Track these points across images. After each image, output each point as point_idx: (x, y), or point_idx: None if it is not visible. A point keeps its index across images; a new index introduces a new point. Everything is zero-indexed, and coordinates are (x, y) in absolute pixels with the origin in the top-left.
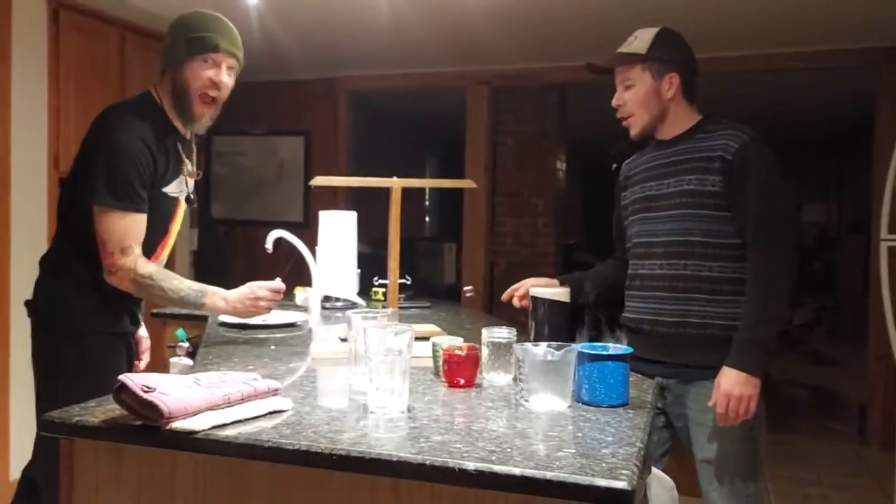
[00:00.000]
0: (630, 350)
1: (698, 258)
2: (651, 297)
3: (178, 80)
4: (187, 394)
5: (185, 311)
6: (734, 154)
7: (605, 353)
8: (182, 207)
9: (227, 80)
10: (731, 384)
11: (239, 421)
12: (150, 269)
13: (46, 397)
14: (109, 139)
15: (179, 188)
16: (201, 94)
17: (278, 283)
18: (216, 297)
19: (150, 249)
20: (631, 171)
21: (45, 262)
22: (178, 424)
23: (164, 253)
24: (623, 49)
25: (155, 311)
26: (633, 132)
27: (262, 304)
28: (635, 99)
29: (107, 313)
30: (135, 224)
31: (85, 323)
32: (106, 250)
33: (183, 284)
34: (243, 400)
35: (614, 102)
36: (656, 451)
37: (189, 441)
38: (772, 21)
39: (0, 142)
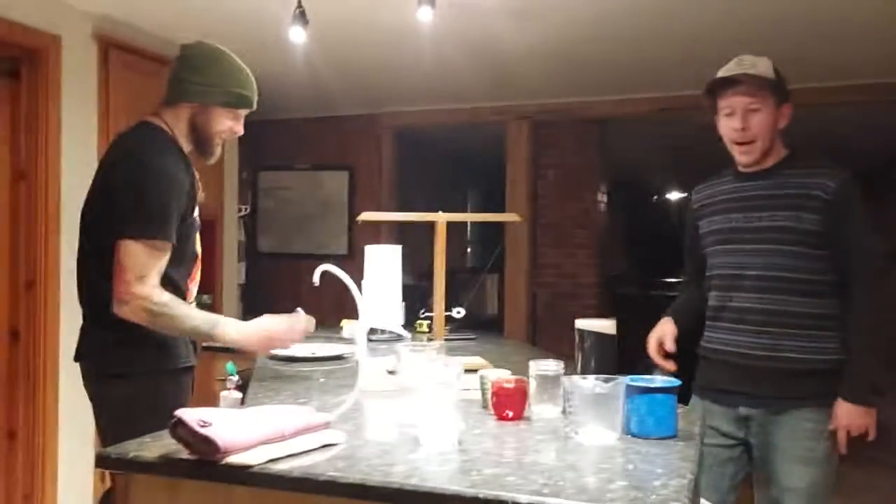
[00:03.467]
0: (678, 383)
1: (788, 293)
2: (742, 329)
3: (200, 120)
4: (243, 428)
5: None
6: (833, 193)
7: (653, 385)
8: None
9: (242, 129)
10: (851, 417)
11: (293, 454)
12: (166, 297)
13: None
14: (149, 171)
15: (197, 212)
16: (219, 138)
17: (298, 318)
18: (228, 326)
19: (187, 274)
20: (706, 200)
21: (94, 307)
22: (233, 459)
23: (198, 275)
24: (749, 71)
25: (206, 344)
26: (748, 158)
27: (275, 343)
28: (763, 124)
29: (175, 349)
30: (159, 256)
31: (155, 362)
32: (122, 278)
33: (195, 313)
34: (297, 433)
35: (740, 124)
36: (730, 480)
37: (245, 475)
38: (810, 55)
39: (51, 185)
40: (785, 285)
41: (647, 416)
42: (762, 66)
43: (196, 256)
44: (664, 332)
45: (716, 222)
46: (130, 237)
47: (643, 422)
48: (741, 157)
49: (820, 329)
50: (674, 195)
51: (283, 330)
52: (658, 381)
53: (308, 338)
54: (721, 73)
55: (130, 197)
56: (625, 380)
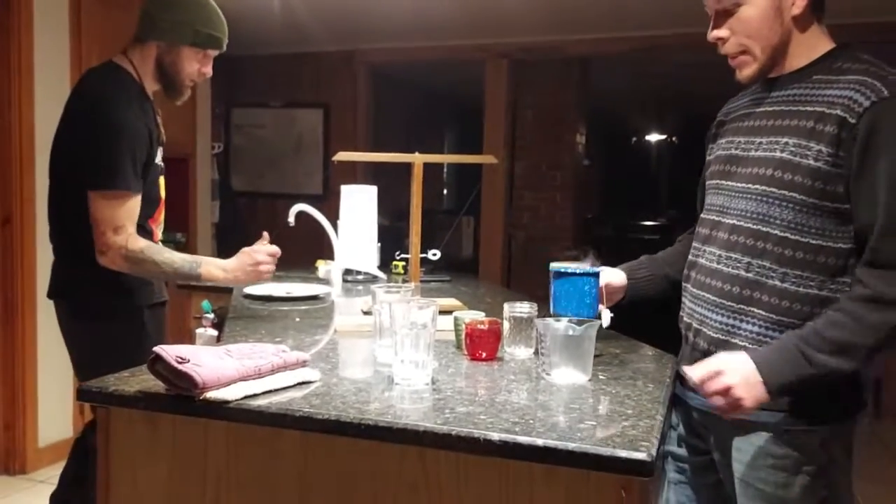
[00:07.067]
0: (596, 270)
1: (769, 259)
2: (700, 298)
3: (168, 60)
4: (220, 365)
5: (209, 283)
6: (861, 116)
7: (570, 271)
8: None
9: (210, 70)
10: (737, 377)
11: (270, 391)
12: (141, 244)
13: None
14: (108, 124)
15: (160, 154)
16: (189, 79)
17: (273, 247)
18: (212, 266)
19: (148, 216)
20: (728, 115)
21: (67, 246)
22: (211, 394)
23: (161, 217)
24: None
25: (181, 282)
26: (747, 73)
27: (263, 268)
28: (748, 23)
29: (150, 285)
30: (129, 205)
31: (132, 299)
32: (98, 230)
33: (175, 256)
34: (273, 371)
35: (712, 36)
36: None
37: (222, 410)
38: None
39: (25, 121)
40: (764, 245)
41: (562, 298)
42: None
43: (159, 199)
44: (607, 283)
45: (720, 147)
46: (96, 190)
47: (558, 303)
48: (737, 74)
49: (804, 317)
50: (653, 137)
51: (265, 254)
52: (578, 268)
53: (284, 278)
54: None
55: (93, 152)
56: (597, 323)
